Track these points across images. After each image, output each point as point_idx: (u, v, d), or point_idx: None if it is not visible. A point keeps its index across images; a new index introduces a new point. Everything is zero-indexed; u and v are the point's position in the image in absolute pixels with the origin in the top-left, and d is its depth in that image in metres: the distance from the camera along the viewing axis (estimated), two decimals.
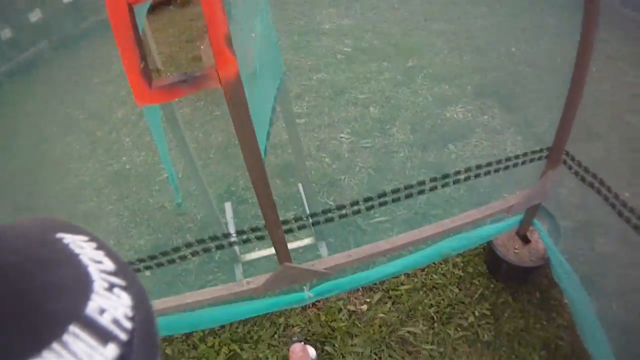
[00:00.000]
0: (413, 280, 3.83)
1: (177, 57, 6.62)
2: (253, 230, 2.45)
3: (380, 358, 3.43)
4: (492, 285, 3.82)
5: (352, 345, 3.46)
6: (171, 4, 7.99)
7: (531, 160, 2.99)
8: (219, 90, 1.57)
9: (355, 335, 3.51)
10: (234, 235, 2.50)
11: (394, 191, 2.59)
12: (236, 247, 3.82)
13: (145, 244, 4.30)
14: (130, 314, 0.59)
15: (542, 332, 3.60)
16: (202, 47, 6.21)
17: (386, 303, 3.69)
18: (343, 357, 3.39)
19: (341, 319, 3.59)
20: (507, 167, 2.94)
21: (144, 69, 1.47)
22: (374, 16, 7.35)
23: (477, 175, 2.83)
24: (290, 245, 3.66)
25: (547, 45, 6.15)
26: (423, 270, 3.88)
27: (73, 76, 6.86)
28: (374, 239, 2.80)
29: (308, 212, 3.54)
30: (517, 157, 2.94)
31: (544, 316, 3.68)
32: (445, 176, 2.73)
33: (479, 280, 3.84)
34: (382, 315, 3.62)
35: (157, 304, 2.72)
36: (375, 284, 3.76)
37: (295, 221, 2.50)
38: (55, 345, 0.50)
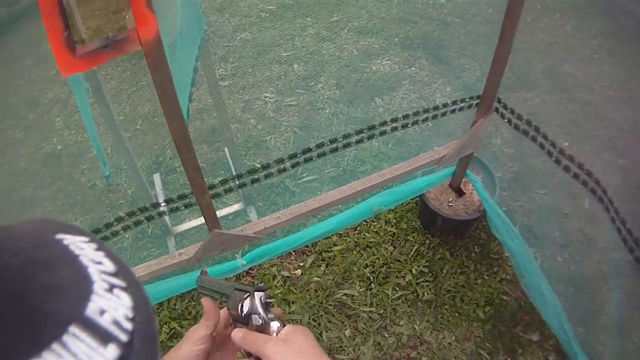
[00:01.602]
0: (345, 240, 3.74)
1: (104, 29, 6.32)
2: (180, 197, 2.40)
3: (319, 324, 3.37)
4: (427, 241, 3.75)
5: (290, 312, 3.39)
6: None
7: (461, 109, 2.89)
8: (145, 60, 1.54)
9: (292, 302, 3.44)
10: (162, 204, 2.43)
11: (318, 146, 2.50)
12: (167, 219, 3.73)
13: (80, 225, 4.12)
14: (130, 315, 0.61)
15: (484, 288, 3.56)
16: (127, 16, 6.07)
17: (320, 266, 3.62)
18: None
19: (276, 285, 3.51)
20: (435, 117, 2.83)
21: (67, 38, 1.44)
22: None
23: (404, 126, 2.73)
24: (220, 213, 3.59)
25: None
26: (355, 229, 3.80)
27: (4, 61, 6.57)
28: (304, 200, 2.78)
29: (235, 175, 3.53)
30: (445, 105, 2.84)
31: (485, 271, 3.64)
32: (371, 127, 2.62)
33: (413, 237, 3.77)
34: (317, 279, 3.56)
35: None
36: (307, 246, 3.69)
37: (221, 184, 2.43)
38: (55, 346, 0.51)
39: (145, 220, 2.44)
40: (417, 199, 3.80)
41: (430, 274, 3.62)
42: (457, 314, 3.48)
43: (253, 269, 3.58)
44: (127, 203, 4.20)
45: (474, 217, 3.51)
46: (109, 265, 0.64)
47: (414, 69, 5.10)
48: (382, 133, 2.69)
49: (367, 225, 3.83)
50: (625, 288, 3.54)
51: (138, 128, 4.63)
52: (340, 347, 3.32)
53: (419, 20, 5.68)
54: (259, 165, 2.46)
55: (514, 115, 2.87)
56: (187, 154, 1.97)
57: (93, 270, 0.61)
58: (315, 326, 3.38)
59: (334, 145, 2.56)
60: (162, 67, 1.62)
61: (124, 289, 0.63)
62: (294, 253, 3.66)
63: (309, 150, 2.51)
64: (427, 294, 3.55)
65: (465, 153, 3.13)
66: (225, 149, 4.02)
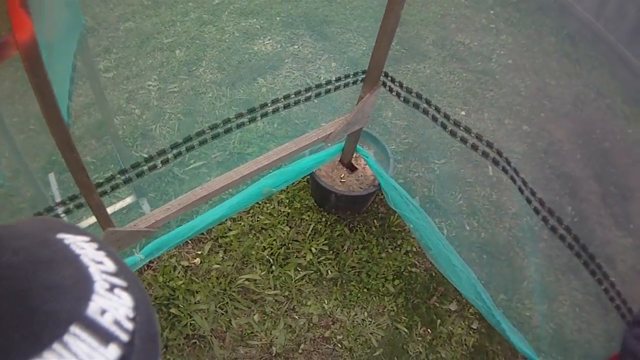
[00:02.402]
0: (240, 224, 3.71)
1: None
2: (71, 199, 2.35)
3: (226, 312, 3.35)
4: (324, 219, 3.76)
5: (195, 303, 3.35)
6: None
7: (345, 85, 2.89)
8: None
9: (196, 292, 3.40)
10: (55, 207, 2.39)
11: (198, 133, 2.48)
12: (64, 220, 3.64)
13: None
14: (131, 314, 0.62)
15: (390, 261, 3.60)
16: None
17: (218, 252, 3.59)
18: (190, 316, 3.29)
19: (178, 276, 3.47)
20: (319, 94, 2.83)
21: None
22: None
23: (286, 106, 2.73)
24: (113, 208, 3.51)
25: None
26: (248, 212, 3.77)
27: None
28: (193, 187, 2.78)
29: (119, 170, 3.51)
30: (329, 82, 2.83)
31: (389, 244, 3.69)
32: (252, 110, 2.60)
33: (308, 215, 3.77)
34: (217, 266, 3.54)
35: None
36: (203, 234, 3.65)
37: (107, 182, 2.38)
38: (56, 346, 0.53)
39: None
40: (309, 177, 3.81)
41: (331, 252, 3.63)
42: (365, 290, 3.51)
43: (153, 262, 3.51)
44: (27, 206, 4.06)
45: (369, 192, 3.52)
46: (110, 265, 0.66)
47: (296, 46, 5.11)
48: (263, 115, 2.68)
49: (259, 207, 3.81)
50: (544, 252, 3.66)
51: (31, 128, 4.48)
52: (252, 332, 3.30)
53: None
54: (146, 156, 2.46)
55: (403, 89, 2.88)
56: (69, 155, 1.94)
57: (94, 270, 0.63)
58: (222, 314, 3.35)
59: (215, 131, 2.55)
60: (39, 70, 1.61)
61: (125, 289, 0.64)
62: (190, 242, 3.60)
63: (190, 139, 2.50)
64: (331, 272, 3.56)
65: (354, 129, 3.14)
66: (112, 144, 3.99)
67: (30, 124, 4.41)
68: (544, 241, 3.72)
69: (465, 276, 3.09)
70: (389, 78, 2.92)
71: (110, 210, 3.63)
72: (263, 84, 4.69)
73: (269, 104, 2.70)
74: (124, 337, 0.59)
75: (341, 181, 3.57)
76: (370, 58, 2.77)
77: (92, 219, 3.70)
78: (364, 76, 2.91)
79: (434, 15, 5.56)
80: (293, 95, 2.76)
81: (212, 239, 3.64)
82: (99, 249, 0.67)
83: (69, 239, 0.65)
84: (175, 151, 2.51)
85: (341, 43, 5.15)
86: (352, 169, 3.63)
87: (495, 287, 3.56)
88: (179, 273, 3.51)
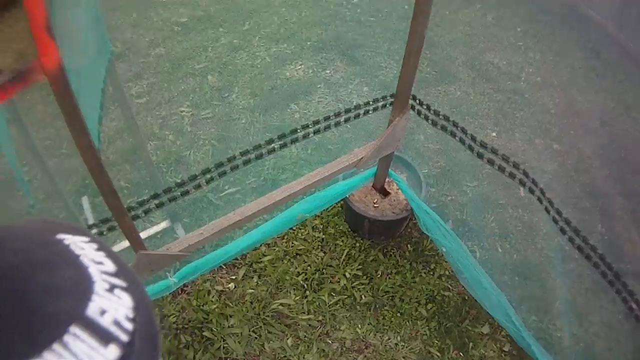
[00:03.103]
0: (274, 250, 3.72)
1: (28, 53, 6.15)
2: (104, 222, 2.37)
3: (260, 336, 3.34)
4: (357, 244, 3.75)
5: (229, 327, 3.35)
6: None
7: (375, 110, 2.90)
8: None
9: (230, 316, 3.40)
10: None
11: (230, 159, 2.51)
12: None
13: None
14: (131, 315, 0.63)
15: (423, 285, 3.57)
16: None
17: (252, 277, 3.60)
18: (224, 340, 3.29)
19: (212, 300, 3.47)
20: (348, 119, 2.84)
21: None
22: None
23: (316, 132, 2.75)
24: (147, 232, 3.53)
25: None
26: (282, 237, 3.77)
27: None
28: (227, 212, 2.82)
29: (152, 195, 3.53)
30: (358, 107, 2.85)
31: (422, 269, 3.66)
32: (282, 136, 2.63)
33: (342, 241, 3.76)
34: (251, 290, 3.54)
35: None
36: (237, 259, 3.66)
37: (140, 206, 2.40)
38: (56, 346, 0.53)
39: None
40: (342, 202, 3.80)
41: (365, 277, 3.62)
42: (398, 314, 3.49)
43: (187, 286, 3.52)
44: None
45: (402, 216, 3.52)
46: (110, 266, 0.66)
47: (328, 71, 5.13)
48: (294, 141, 2.70)
49: (294, 233, 3.81)
50: (575, 271, 3.62)
51: (64, 151, 4.52)
52: (285, 357, 3.30)
53: (331, 22, 5.73)
54: (180, 182, 2.50)
55: (431, 112, 2.88)
56: (100, 179, 1.94)
57: (94, 271, 0.63)
58: (256, 338, 3.35)
59: (246, 157, 2.58)
60: (67, 95, 1.60)
61: (125, 289, 0.65)
62: (224, 267, 3.60)
63: (221, 164, 2.53)
64: (365, 296, 3.55)
65: (385, 153, 3.14)
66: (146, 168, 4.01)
67: (62, 147, 4.45)
68: (574, 261, 3.69)
69: (497, 299, 3.08)
70: (418, 101, 2.93)
71: (144, 234, 3.66)
72: (296, 110, 4.71)
73: (299, 129, 2.72)
74: (124, 338, 0.60)
75: (374, 206, 3.56)
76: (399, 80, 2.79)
77: (126, 242, 3.74)
78: (392, 100, 2.93)
79: (462, 36, 5.56)
80: (323, 121, 2.78)
81: (247, 264, 3.65)
82: (98, 249, 0.68)
83: (68, 239, 0.66)
84: (207, 176, 2.54)
85: (372, 67, 5.16)
86: (385, 193, 3.62)
87: (527, 308, 3.53)
88: (213, 297, 3.52)
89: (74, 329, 0.55)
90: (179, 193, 2.52)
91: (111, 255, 0.69)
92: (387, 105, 2.97)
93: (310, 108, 4.73)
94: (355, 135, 4.42)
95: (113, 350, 0.58)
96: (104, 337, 0.58)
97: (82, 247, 0.66)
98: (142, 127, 4.33)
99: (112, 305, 0.61)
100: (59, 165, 4.19)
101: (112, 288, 0.63)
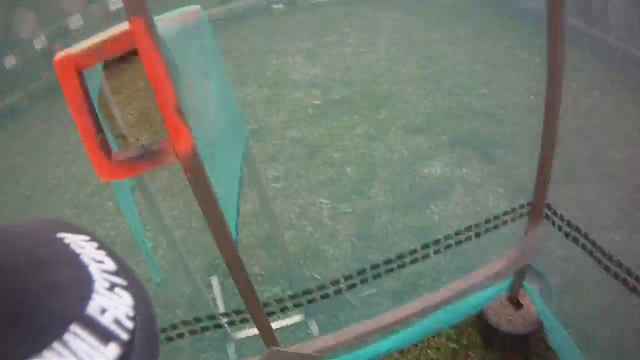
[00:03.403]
0: (407, 357, 3.72)
1: (151, 114, 6.10)
2: (237, 312, 2.44)
3: None
4: (487, 357, 3.77)
5: None
6: (129, 59, 7.81)
7: (512, 219, 2.96)
8: None
9: None
10: (219, 317, 2.50)
11: (373, 267, 2.60)
12: (226, 326, 3.78)
13: None
14: (131, 313, 0.62)
15: None
16: None
17: None
18: None
19: None
20: (488, 230, 2.93)
21: (101, 141, 1.45)
22: (341, 63, 7.45)
23: (458, 243, 2.84)
24: (280, 323, 3.62)
25: (519, 81, 6.18)
26: (416, 345, 3.78)
27: (52, 131, 6.84)
28: (364, 313, 2.83)
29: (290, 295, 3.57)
30: (497, 218, 2.94)
31: None
32: (426, 246, 2.71)
33: (474, 352, 3.77)
34: None
35: None
36: None
37: (277, 303, 2.49)
38: (56, 345, 0.53)
39: (200, 331, 2.48)
40: (477, 312, 3.75)
41: None
42: None
43: None
44: (183, 301, 4.20)
45: (533, 329, 3.49)
46: (110, 264, 0.65)
47: (465, 170, 5.17)
48: (436, 252, 2.80)
49: (427, 341, 3.80)
50: None
51: (193, 225, 4.68)
52: None
53: (464, 114, 5.83)
54: (318, 277, 2.57)
55: (564, 222, 2.91)
56: (238, 274, 1.93)
57: (94, 269, 0.62)
58: None
59: (389, 266, 2.69)
60: (203, 183, 1.61)
61: (125, 288, 0.64)
62: None
63: (364, 271, 2.62)
64: None
65: (521, 265, 3.16)
66: (285, 259, 4.10)
67: (192, 221, 4.64)
68: None
69: None
70: (552, 210, 2.96)
71: (276, 325, 3.69)
72: (435, 211, 4.76)
73: (442, 240, 2.81)
74: (124, 336, 0.59)
75: (508, 319, 3.59)
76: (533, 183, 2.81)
77: (255, 330, 3.85)
78: (528, 208, 2.96)
79: (585, 128, 5.45)
80: (465, 232, 2.88)
81: None
82: (99, 247, 0.67)
83: (68, 238, 0.66)
84: (348, 282, 2.63)
85: (507, 166, 5.19)
86: (518, 305, 3.60)
87: None
88: None
89: (74, 327, 0.55)
90: (319, 296, 2.57)
91: (111, 254, 0.68)
92: (524, 215, 3.02)
93: (449, 210, 4.77)
94: (491, 241, 4.44)
95: (113, 349, 0.57)
96: (104, 335, 0.57)
97: (83, 245, 0.66)
98: (279, 214, 4.41)
99: (113, 304, 0.60)
100: (187, 239, 4.35)
101: (112, 287, 0.62)
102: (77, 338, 0.54)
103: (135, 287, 0.66)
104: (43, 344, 0.52)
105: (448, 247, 2.82)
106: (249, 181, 3.22)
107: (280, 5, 9.61)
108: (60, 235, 0.65)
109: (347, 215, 4.73)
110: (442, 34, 7.57)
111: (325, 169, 5.20)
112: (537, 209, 2.86)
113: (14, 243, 0.60)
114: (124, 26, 1.42)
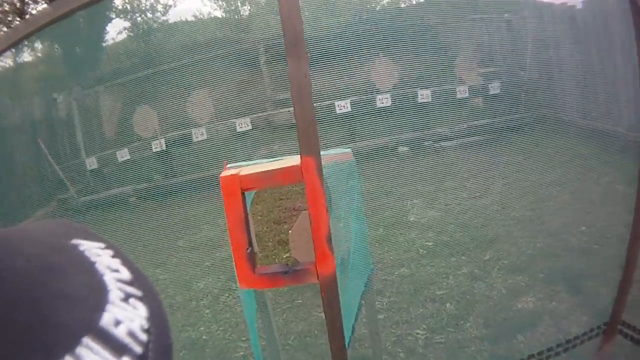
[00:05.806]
0: None
1: (264, 238, 6.55)
2: None
3: None
4: None
5: None
6: None
7: (589, 339, 3.20)
8: None
9: None
10: None
11: None
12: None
13: None
14: (145, 325, 0.61)
15: None
16: (289, 231, 6.37)
17: None
18: None
19: None
20: (567, 349, 3.20)
21: (250, 253, 1.61)
22: (457, 206, 7.88)
23: None
24: None
25: (617, 215, 6.11)
26: None
27: (157, 231, 7.29)
28: None
29: None
30: (576, 338, 3.20)
31: None
32: None
33: None
34: None
35: None
36: None
37: None
38: (68, 358, 0.51)
39: None
40: None
41: None
42: None
43: None
44: None
45: None
46: (126, 274, 0.65)
47: (554, 303, 5.35)
48: None
49: None
50: None
51: (290, 343, 5.00)
52: None
53: (561, 252, 6.06)
54: None
55: (637, 333, 3.11)
56: None
57: (109, 279, 0.61)
58: None
59: None
60: (335, 303, 1.71)
61: (140, 299, 0.63)
62: None
63: None
64: None
65: None
66: None
67: (289, 340, 5.04)
68: None
69: None
70: (625, 325, 3.18)
71: None
72: (521, 341, 4.90)
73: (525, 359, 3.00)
74: (138, 349, 0.58)
75: None
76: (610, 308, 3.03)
77: None
78: (604, 328, 3.19)
79: None
80: (546, 352, 3.21)
81: None
82: (114, 256, 0.67)
83: (84, 245, 0.65)
84: None
85: (594, 296, 5.29)
86: None
87: None
88: None
89: (87, 340, 0.54)
90: None
91: (127, 262, 0.68)
92: (600, 334, 3.25)
93: (534, 339, 4.90)
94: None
95: None
96: (118, 349, 0.56)
97: (98, 253, 0.65)
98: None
99: (127, 316, 0.59)
100: (283, 355, 4.52)
101: (127, 297, 0.61)
102: (90, 351, 0.53)
103: (150, 297, 0.66)
104: (55, 357, 0.51)
105: None
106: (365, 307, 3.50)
107: (406, 148, 10.14)
108: (75, 241, 0.65)
109: (439, 346, 4.98)
110: (552, 176, 7.89)
111: (426, 304, 5.50)
112: (613, 325, 3.14)
113: (27, 249, 0.58)
114: (293, 161, 1.67)
